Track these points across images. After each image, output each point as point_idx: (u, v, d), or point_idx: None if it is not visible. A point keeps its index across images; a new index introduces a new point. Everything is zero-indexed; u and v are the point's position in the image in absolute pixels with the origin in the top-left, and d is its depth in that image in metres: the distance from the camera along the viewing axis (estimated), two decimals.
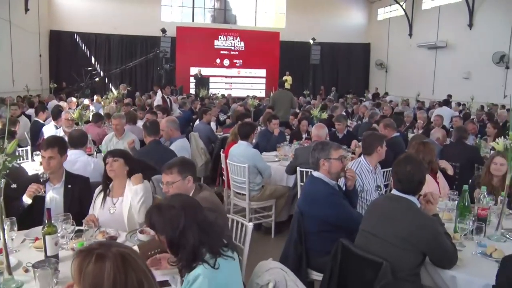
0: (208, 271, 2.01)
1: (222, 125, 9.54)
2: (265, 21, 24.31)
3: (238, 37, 23.01)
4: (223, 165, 5.95)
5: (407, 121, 9.36)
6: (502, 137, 3.59)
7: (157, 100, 11.28)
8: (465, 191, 3.28)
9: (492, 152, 4.94)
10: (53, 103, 11.09)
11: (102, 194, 3.37)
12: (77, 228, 2.91)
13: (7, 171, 2.31)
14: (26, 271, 2.44)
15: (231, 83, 23.13)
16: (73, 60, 20.85)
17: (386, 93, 21.16)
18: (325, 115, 8.58)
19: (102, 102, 12.35)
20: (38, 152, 4.93)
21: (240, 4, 24.06)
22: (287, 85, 17.36)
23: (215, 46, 22.79)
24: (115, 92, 16.08)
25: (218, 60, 22.86)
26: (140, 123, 7.24)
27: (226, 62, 23.00)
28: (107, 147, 5.82)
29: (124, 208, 3.29)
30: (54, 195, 3.45)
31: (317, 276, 3.41)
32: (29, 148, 6.11)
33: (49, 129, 6.78)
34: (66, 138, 4.67)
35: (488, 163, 4.15)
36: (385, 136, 5.14)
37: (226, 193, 5.98)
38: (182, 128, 7.88)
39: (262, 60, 22.92)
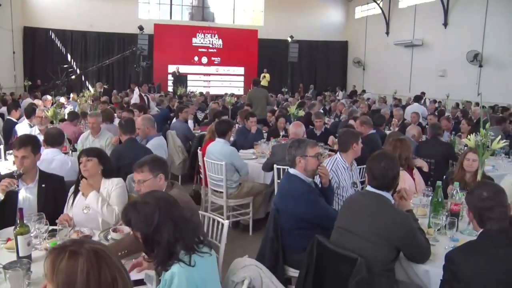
0: (184, 269, 2.01)
1: (199, 123, 9.50)
2: (243, 18, 24.28)
3: (216, 35, 22.92)
4: (201, 163, 5.93)
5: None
6: (474, 133, 3.67)
7: (135, 98, 11.15)
8: (438, 187, 3.35)
9: (465, 148, 5.04)
10: (27, 101, 10.87)
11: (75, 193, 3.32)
12: (51, 227, 2.87)
13: None
14: None
15: (209, 81, 23.05)
16: (48, 57, 20.51)
17: (364, 91, 21.39)
18: (302, 113, 8.62)
19: (78, 100, 12.17)
20: (11, 151, 4.82)
21: (218, 1, 23.97)
22: (264, 82, 17.39)
23: (193, 44, 22.65)
24: (91, 90, 15.85)
25: (196, 58, 22.73)
26: (117, 122, 7.15)
27: (204, 59, 22.90)
28: (83, 146, 5.72)
29: None
30: (27, 195, 3.37)
31: (293, 272, 3.42)
32: (1, 147, 5.97)
33: (23, 128, 6.64)
34: (41, 137, 4.60)
35: (461, 159, 4.22)
36: (360, 133, 5.19)
37: (204, 191, 5.96)
38: (160, 126, 7.83)
39: (241, 58, 22.88)
